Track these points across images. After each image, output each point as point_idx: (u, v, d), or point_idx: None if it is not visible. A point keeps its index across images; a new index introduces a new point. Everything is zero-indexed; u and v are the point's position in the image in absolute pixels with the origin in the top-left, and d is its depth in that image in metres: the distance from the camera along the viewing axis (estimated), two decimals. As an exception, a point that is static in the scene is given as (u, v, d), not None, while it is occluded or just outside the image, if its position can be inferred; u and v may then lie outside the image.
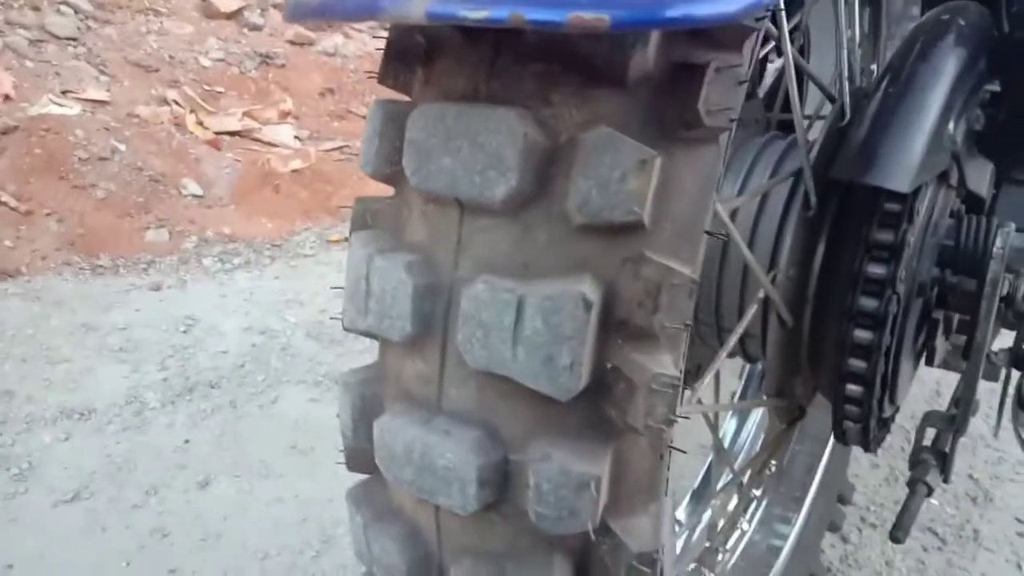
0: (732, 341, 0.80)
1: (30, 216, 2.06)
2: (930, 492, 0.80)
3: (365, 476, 0.53)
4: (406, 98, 0.48)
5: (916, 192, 0.72)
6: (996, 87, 0.78)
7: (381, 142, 0.47)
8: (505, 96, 0.42)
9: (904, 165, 0.65)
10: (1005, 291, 0.80)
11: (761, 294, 0.77)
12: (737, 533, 1.15)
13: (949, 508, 1.81)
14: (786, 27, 0.71)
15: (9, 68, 2.76)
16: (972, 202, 0.81)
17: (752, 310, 0.79)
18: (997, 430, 1.04)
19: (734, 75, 0.40)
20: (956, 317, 0.88)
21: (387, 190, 0.49)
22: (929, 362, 0.90)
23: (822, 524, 1.27)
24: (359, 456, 0.52)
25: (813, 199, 0.75)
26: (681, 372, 0.43)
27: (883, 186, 0.66)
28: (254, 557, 1.21)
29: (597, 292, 0.42)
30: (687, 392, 0.71)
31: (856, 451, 1.63)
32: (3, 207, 2.05)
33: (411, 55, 0.47)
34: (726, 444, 1.27)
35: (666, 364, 0.43)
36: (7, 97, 2.55)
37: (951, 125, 0.71)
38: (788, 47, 0.71)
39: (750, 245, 0.85)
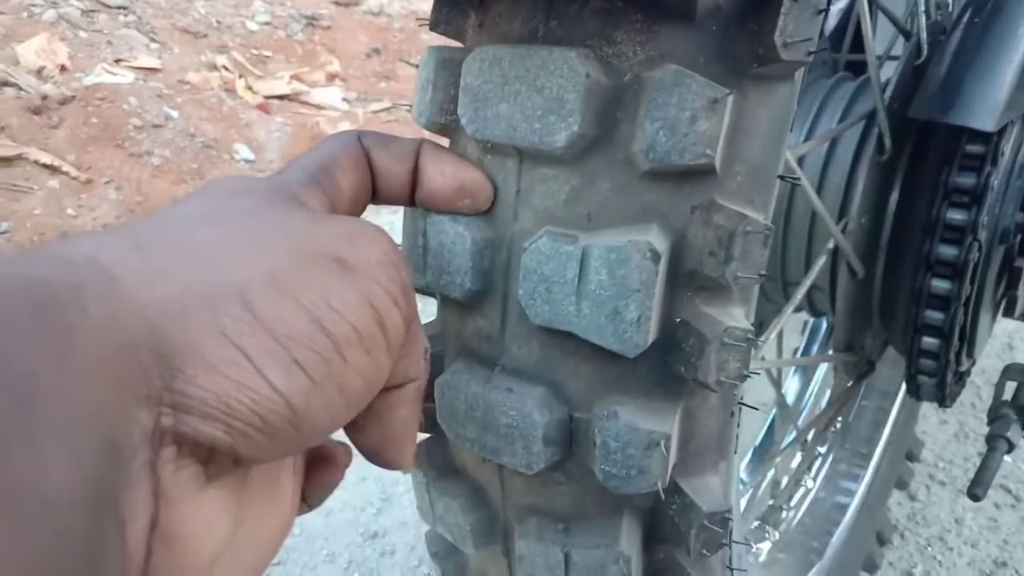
0: (800, 294, 0.77)
1: (89, 184, 2.11)
2: (1011, 448, 0.76)
3: (426, 436, 0.52)
4: (459, 45, 0.46)
5: (1001, 132, 0.67)
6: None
7: (435, 91, 0.45)
8: (565, 36, 0.40)
9: (990, 102, 0.60)
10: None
11: (831, 244, 0.73)
12: (802, 490, 1.12)
13: (1023, 464, 1.75)
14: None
15: (64, 39, 2.80)
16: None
17: (821, 261, 0.75)
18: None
19: (812, 3, 0.37)
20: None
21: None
22: (1009, 313, 0.86)
23: (889, 481, 1.24)
24: (421, 414, 0.51)
25: (888, 142, 0.71)
26: (752, 326, 0.41)
27: (967, 125, 0.61)
28: (318, 513, 1.24)
29: (665, 242, 0.39)
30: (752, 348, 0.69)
31: (925, 407, 1.58)
32: (65, 176, 2.09)
33: (463, -2, 0.44)
34: (790, 401, 1.24)
35: (738, 317, 0.41)
36: (63, 68, 2.59)
37: (1041, 58, 0.66)
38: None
39: (819, 192, 0.81)
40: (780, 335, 1.08)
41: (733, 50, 0.39)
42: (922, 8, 0.78)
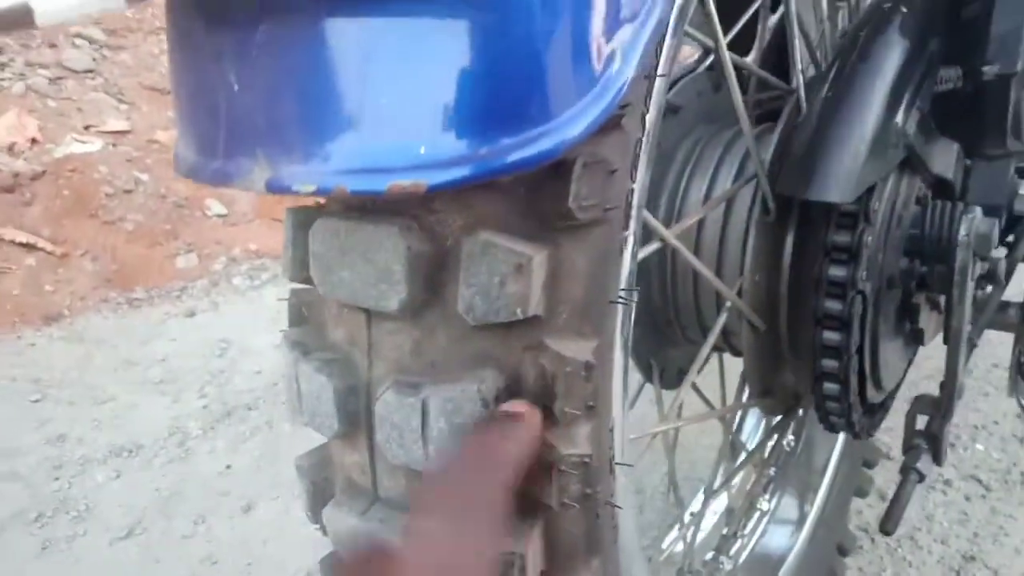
0: (704, 352, 0.81)
1: (66, 258, 2.15)
2: (922, 479, 0.80)
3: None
4: (315, 204, 0.50)
5: (871, 190, 0.71)
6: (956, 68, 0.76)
7: (294, 249, 0.49)
8: (392, 207, 0.44)
9: (844, 175, 0.64)
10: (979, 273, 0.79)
11: (728, 303, 0.77)
12: (756, 514, 1.16)
13: (995, 452, 1.78)
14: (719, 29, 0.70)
15: (33, 110, 2.85)
16: (941, 186, 0.80)
17: (721, 319, 0.79)
18: (1011, 389, 1.03)
19: (604, 167, 0.41)
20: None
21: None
22: (920, 343, 0.90)
23: (847, 493, 1.27)
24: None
25: (771, 204, 0.75)
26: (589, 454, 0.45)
27: (824, 200, 0.65)
28: (296, 576, 1.28)
29: (499, 385, 0.43)
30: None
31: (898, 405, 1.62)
32: (41, 252, 2.14)
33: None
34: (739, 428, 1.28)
35: (578, 443, 0.45)
36: (34, 141, 2.64)
37: (900, 119, 0.70)
38: (721, 39, 0.70)
39: (719, 250, 0.85)
40: (722, 375, 1.11)
41: (541, 210, 0.43)
42: (798, 65, 0.82)
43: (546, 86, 0.33)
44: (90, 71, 3.29)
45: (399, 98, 0.32)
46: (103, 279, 2.12)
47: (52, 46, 3.38)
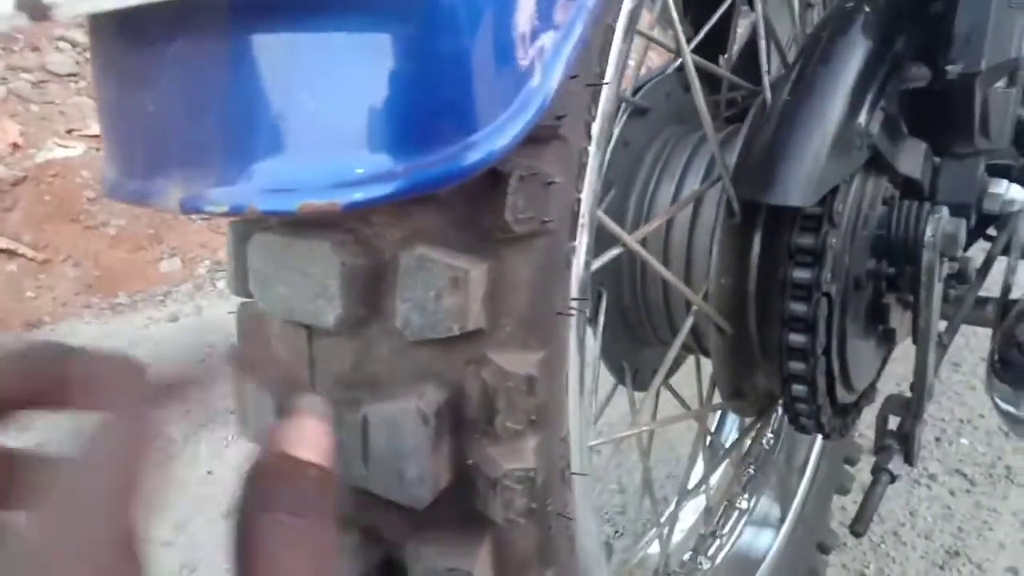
0: (671, 355, 0.81)
1: (48, 264, 2.14)
2: (893, 480, 0.80)
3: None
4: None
5: (835, 192, 0.70)
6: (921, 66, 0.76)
7: (236, 263, 0.48)
8: (328, 220, 0.43)
9: (804, 177, 0.64)
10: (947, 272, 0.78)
11: (694, 307, 0.77)
12: (736, 513, 1.16)
13: (980, 446, 1.78)
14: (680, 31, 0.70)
15: (15, 115, 2.83)
16: (909, 185, 0.79)
17: (688, 322, 0.79)
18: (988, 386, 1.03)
19: (540, 179, 0.41)
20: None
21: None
22: (892, 343, 0.89)
23: (828, 491, 1.27)
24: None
25: (736, 206, 0.75)
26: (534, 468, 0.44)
27: (785, 204, 0.65)
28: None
29: (440, 400, 0.43)
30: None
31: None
32: (22, 259, 2.13)
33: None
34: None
35: (523, 458, 0.45)
36: (16, 146, 2.62)
37: (863, 119, 0.69)
38: (683, 40, 0.69)
39: (687, 253, 0.84)
40: (698, 376, 1.11)
41: (480, 223, 0.42)
42: (764, 67, 0.82)
43: (466, 100, 0.32)
44: (73, 75, 3.27)
45: (315, 115, 0.32)
46: (85, 285, 2.11)
47: (35, 50, 3.36)
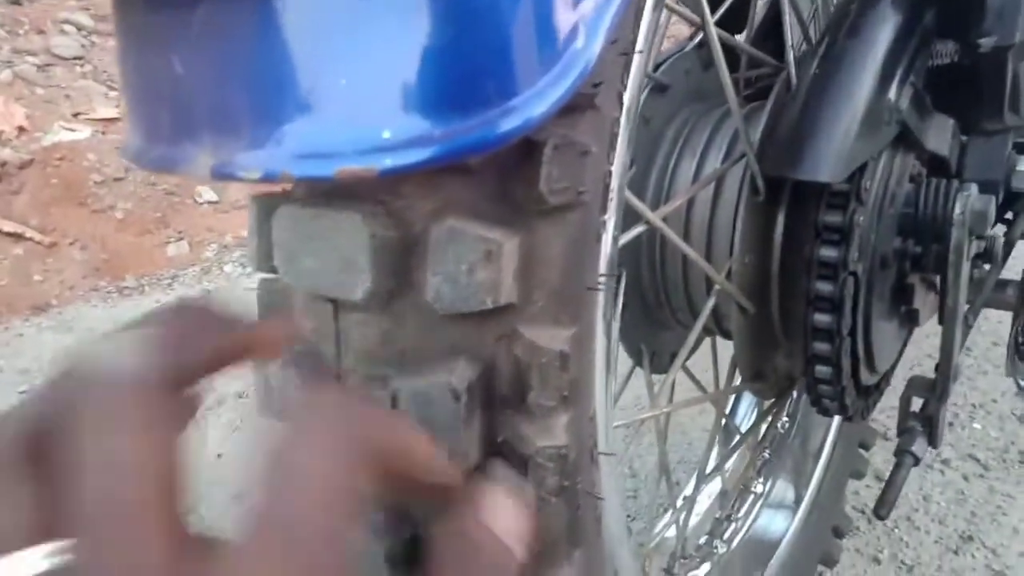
0: (693, 335, 0.80)
1: (55, 248, 2.14)
2: (916, 463, 0.79)
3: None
4: (281, 191, 0.48)
5: (863, 168, 0.69)
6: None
7: (259, 240, 0.47)
8: (357, 192, 0.42)
9: (834, 153, 0.62)
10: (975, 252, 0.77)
11: (716, 285, 0.76)
12: (751, 498, 1.15)
13: (993, 431, 1.77)
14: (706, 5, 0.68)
15: (21, 98, 2.82)
16: (936, 163, 0.78)
17: (710, 302, 0.78)
18: (1009, 368, 1.02)
19: (576, 148, 0.39)
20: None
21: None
22: (915, 324, 0.88)
23: (843, 475, 1.26)
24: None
25: (760, 183, 0.73)
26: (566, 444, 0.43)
27: (814, 179, 0.63)
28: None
29: (471, 376, 0.42)
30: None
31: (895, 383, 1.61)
32: (29, 242, 2.12)
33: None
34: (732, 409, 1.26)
35: (555, 435, 0.44)
36: (22, 129, 2.61)
37: (892, 94, 0.68)
38: (707, 14, 0.68)
39: (709, 231, 0.83)
40: (715, 358, 1.10)
41: (513, 194, 0.41)
42: (789, 41, 0.80)
43: (506, 63, 0.31)
44: (79, 58, 3.25)
45: (351, 78, 0.30)
46: (92, 268, 2.10)
47: (40, 32, 3.34)
